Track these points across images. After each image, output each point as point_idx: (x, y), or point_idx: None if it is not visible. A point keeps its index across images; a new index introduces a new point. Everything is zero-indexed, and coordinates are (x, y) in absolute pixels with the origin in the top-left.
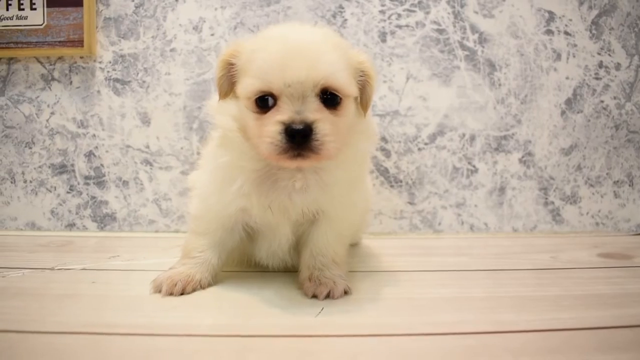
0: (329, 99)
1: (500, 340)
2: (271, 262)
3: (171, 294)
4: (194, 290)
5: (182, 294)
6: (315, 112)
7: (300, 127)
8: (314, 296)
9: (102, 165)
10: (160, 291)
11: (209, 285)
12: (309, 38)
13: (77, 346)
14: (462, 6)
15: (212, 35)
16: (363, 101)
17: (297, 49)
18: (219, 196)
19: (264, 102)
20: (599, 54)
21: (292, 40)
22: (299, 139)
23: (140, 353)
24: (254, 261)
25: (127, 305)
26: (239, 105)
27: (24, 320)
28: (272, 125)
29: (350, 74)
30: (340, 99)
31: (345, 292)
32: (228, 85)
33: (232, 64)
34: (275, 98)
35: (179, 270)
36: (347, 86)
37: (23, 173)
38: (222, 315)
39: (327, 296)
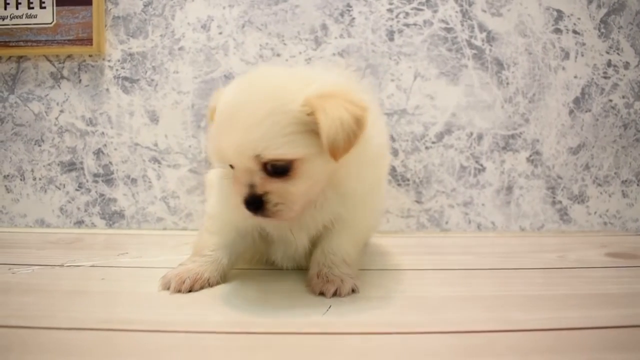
0: (274, 169)
1: (507, 339)
2: (286, 264)
3: (179, 291)
4: (202, 288)
5: (190, 291)
6: (264, 184)
7: (249, 200)
8: (321, 293)
9: (110, 163)
10: (168, 288)
11: (217, 284)
12: (245, 108)
13: (87, 342)
14: (470, 5)
15: (220, 33)
16: (325, 149)
17: (230, 127)
18: (234, 210)
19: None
20: (607, 52)
21: (232, 114)
22: (252, 210)
23: (150, 349)
24: (266, 260)
25: (137, 302)
26: None
27: (34, 316)
28: (235, 195)
29: (302, 132)
30: (290, 163)
31: (353, 291)
32: None
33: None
34: (235, 169)
35: (188, 268)
36: (288, 153)
37: (32, 170)
38: (231, 312)
39: (335, 294)
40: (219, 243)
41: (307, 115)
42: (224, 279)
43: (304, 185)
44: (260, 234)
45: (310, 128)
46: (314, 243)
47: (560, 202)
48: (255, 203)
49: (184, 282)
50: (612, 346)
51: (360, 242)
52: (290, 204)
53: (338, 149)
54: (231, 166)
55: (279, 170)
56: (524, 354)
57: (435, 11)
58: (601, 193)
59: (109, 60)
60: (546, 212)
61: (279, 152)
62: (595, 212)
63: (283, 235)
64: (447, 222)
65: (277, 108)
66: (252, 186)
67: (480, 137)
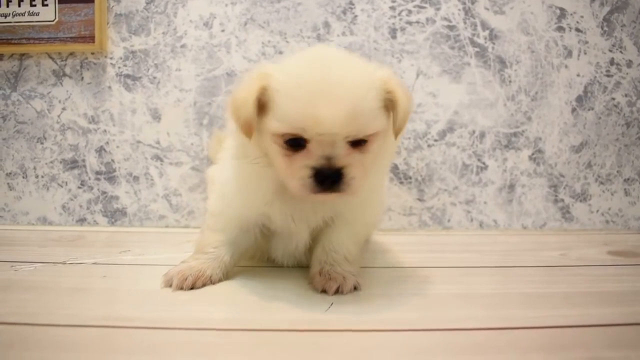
0: (356, 142)
1: (509, 337)
2: (286, 261)
3: (181, 288)
4: (204, 285)
5: (192, 288)
6: (344, 157)
7: (329, 173)
8: (324, 291)
9: (112, 160)
10: (170, 285)
11: (220, 281)
12: (342, 81)
13: (88, 339)
14: (472, 2)
15: (223, 31)
16: (395, 127)
17: (330, 99)
18: (240, 199)
19: (294, 143)
20: (610, 51)
21: (325, 87)
22: (328, 184)
23: (151, 346)
24: (267, 257)
25: (138, 299)
26: (263, 137)
27: (35, 313)
28: (302, 168)
29: (381, 108)
30: (369, 136)
31: (355, 288)
32: (255, 122)
33: (262, 102)
34: (305, 141)
35: (190, 265)
36: (377, 127)
37: (35, 168)
38: (233, 309)
39: (337, 291)
40: (222, 240)
41: (386, 93)
42: (226, 276)
43: (373, 159)
44: (262, 230)
45: (384, 104)
46: (314, 240)
47: (562, 200)
48: (333, 176)
49: (186, 279)
50: (613, 344)
51: (361, 240)
52: (362, 177)
53: (403, 126)
54: (296, 140)
55: (358, 142)
56: (524, 351)
57: (438, 9)
58: (603, 191)
59: (111, 58)
60: (548, 210)
61: (374, 125)
62: (597, 211)
63: (285, 230)
64: (449, 220)
65: (370, 84)
66: (329, 158)
67: (482, 135)
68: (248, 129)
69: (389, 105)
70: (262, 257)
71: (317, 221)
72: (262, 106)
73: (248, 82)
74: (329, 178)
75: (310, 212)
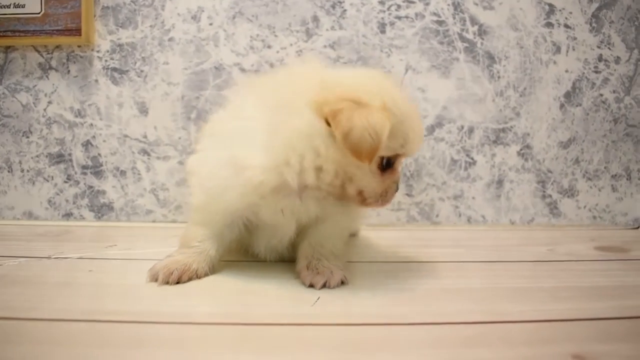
0: None
1: (497, 330)
2: (269, 256)
3: (167, 282)
4: (190, 279)
5: (177, 282)
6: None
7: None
8: (311, 285)
9: (99, 154)
10: (156, 280)
11: (206, 275)
12: (414, 107)
13: (74, 333)
14: None
15: (211, 24)
16: None
17: (418, 121)
18: (226, 190)
19: (388, 165)
20: (598, 47)
21: (412, 110)
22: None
23: (138, 340)
24: (250, 252)
25: (125, 294)
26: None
27: (21, 307)
28: (392, 184)
29: None
30: None
31: (342, 282)
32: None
33: None
34: (395, 161)
35: (176, 259)
36: None
37: (20, 162)
38: (219, 303)
39: (324, 286)
40: (206, 234)
41: None
42: (212, 270)
43: None
44: (245, 224)
45: None
46: (299, 235)
47: (550, 195)
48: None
49: (171, 273)
50: (601, 337)
51: (346, 235)
52: None
53: None
54: (391, 159)
55: None
56: (513, 344)
57: (427, 4)
58: (591, 187)
59: (98, 51)
60: (536, 206)
61: None
62: (584, 206)
63: (270, 225)
64: (437, 216)
65: None
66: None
67: (471, 131)
68: (372, 156)
69: None
70: (246, 251)
71: (309, 217)
72: None
73: (377, 112)
74: (397, 188)
75: (302, 208)
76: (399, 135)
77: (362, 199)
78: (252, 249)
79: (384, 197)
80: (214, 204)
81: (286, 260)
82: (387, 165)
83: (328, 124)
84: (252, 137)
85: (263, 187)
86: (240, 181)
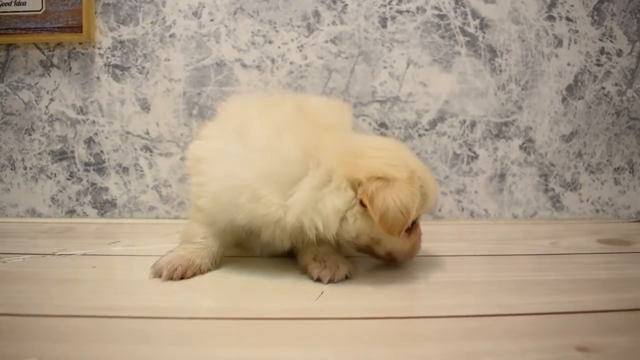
0: None
1: (500, 323)
2: (267, 255)
3: (171, 278)
4: (194, 275)
5: (182, 278)
6: None
7: None
8: (318, 279)
9: (101, 151)
10: (160, 276)
11: (209, 270)
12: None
13: (78, 328)
14: None
15: (212, 20)
16: None
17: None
18: (238, 209)
19: (413, 223)
20: (600, 40)
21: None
22: None
23: (142, 335)
24: (250, 250)
25: (129, 289)
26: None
27: (25, 304)
28: (416, 240)
29: None
30: None
31: (347, 277)
32: None
33: None
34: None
35: (179, 254)
36: None
37: (23, 160)
38: (223, 298)
39: (331, 280)
40: (210, 232)
41: None
42: (214, 266)
43: None
44: (242, 231)
45: None
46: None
47: (552, 189)
48: None
49: (176, 269)
50: (604, 329)
51: None
52: None
53: None
54: (413, 220)
55: None
56: (517, 337)
57: None
58: (593, 180)
59: (99, 48)
60: (539, 200)
61: None
62: (587, 200)
63: (267, 241)
64: (440, 210)
65: None
66: None
67: (473, 125)
68: (403, 230)
69: None
70: (246, 248)
71: (307, 240)
72: None
73: (406, 188)
74: None
75: (299, 237)
76: (423, 201)
77: (392, 259)
78: (250, 247)
79: (411, 253)
80: (222, 214)
81: (286, 256)
82: (411, 225)
83: (361, 202)
84: (281, 176)
85: (273, 221)
86: (254, 208)
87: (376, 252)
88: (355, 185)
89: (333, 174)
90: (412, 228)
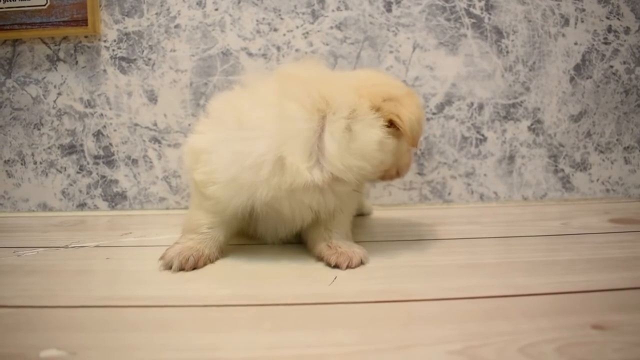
0: None
1: (515, 303)
2: (274, 241)
3: (183, 269)
4: (205, 264)
5: (194, 268)
6: None
7: None
8: (336, 265)
9: (110, 144)
10: (171, 267)
11: (216, 259)
12: None
13: (94, 318)
14: None
15: (216, 10)
16: None
17: None
18: (258, 186)
19: None
20: (607, 18)
21: None
22: None
23: (158, 323)
24: (255, 236)
25: (142, 279)
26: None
27: (41, 295)
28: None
29: None
30: None
31: (362, 262)
32: None
33: None
34: None
35: (188, 245)
36: None
37: (33, 154)
38: (237, 285)
39: (348, 266)
40: (216, 221)
41: None
42: (221, 254)
43: None
44: (252, 216)
45: None
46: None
47: (562, 170)
48: None
49: (187, 260)
50: (616, 308)
51: (352, 218)
52: None
53: None
54: None
55: None
56: (532, 316)
57: None
58: (603, 160)
59: (105, 41)
60: (549, 181)
61: None
62: (597, 179)
63: (284, 215)
64: (449, 194)
65: None
66: None
67: (481, 107)
68: (417, 143)
69: None
70: (251, 236)
71: (327, 210)
72: None
73: (414, 105)
74: None
75: (323, 202)
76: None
77: (398, 175)
78: (256, 235)
79: (410, 164)
80: (238, 196)
81: (292, 243)
82: None
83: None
84: (299, 138)
85: (301, 186)
86: (279, 180)
87: (390, 174)
88: (383, 113)
89: (355, 111)
90: None
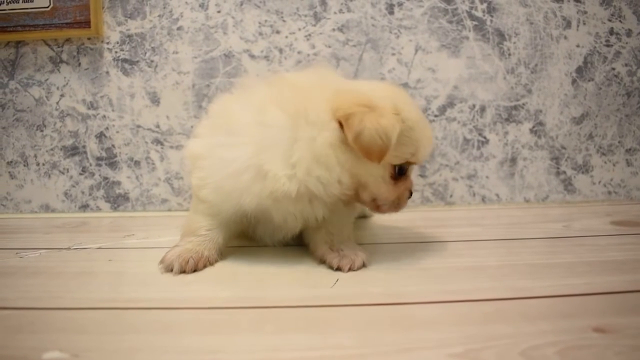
0: None
1: (516, 306)
2: (274, 244)
3: (184, 271)
4: (205, 266)
5: (194, 271)
6: None
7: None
8: (338, 268)
9: (113, 146)
10: (171, 270)
11: (216, 262)
12: (425, 118)
13: (98, 320)
14: None
15: (219, 12)
16: None
17: (428, 132)
18: (243, 193)
19: (400, 173)
20: (609, 20)
21: (424, 122)
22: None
23: (159, 325)
24: (255, 239)
25: (145, 281)
26: (367, 164)
27: (43, 297)
28: (404, 191)
29: None
30: None
31: (364, 265)
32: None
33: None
34: (407, 169)
35: (187, 248)
36: None
37: (35, 156)
38: (238, 288)
39: (350, 268)
40: (214, 224)
41: None
42: (220, 257)
43: None
44: (249, 219)
45: None
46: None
47: (564, 172)
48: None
49: (187, 262)
50: (618, 311)
51: (353, 220)
52: None
53: None
54: (405, 167)
55: None
56: (533, 319)
57: None
58: (605, 162)
59: (107, 43)
60: (550, 183)
61: None
62: (599, 182)
63: (279, 222)
64: (451, 196)
65: None
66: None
67: (482, 109)
68: (382, 156)
69: None
70: (250, 237)
71: (317, 219)
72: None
73: (388, 116)
74: (411, 194)
75: (311, 212)
76: (410, 143)
77: (376, 206)
78: (256, 237)
79: (396, 204)
80: (227, 202)
81: (292, 245)
82: (399, 173)
83: (342, 127)
84: (278, 146)
85: (282, 195)
86: (261, 188)
87: (362, 198)
88: (337, 113)
89: (320, 118)
90: (401, 177)
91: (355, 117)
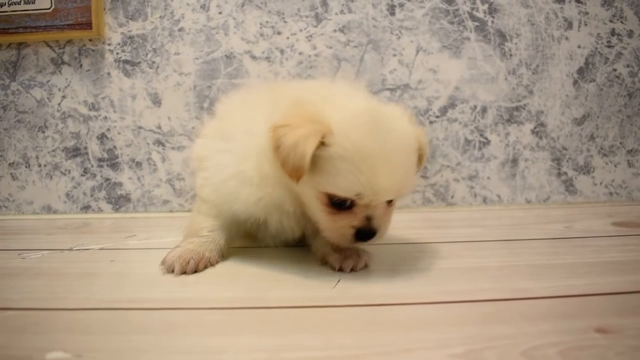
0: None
1: (517, 307)
2: (277, 245)
3: (184, 272)
4: (205, 267)
5: (195, 272)
6: (381, 216)
7: (369, 232)
8: (341, 269)
9: (114, 147)
10: (172, 271)
11: (217, 263)
12: (399, 150)
13: (101, 320)
14: None
15: (220, 13)
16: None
17: (389, 168)
18: (236, 199)
19: (341, 205)
20: (611, 21)
21: (384, 156)
22: (365, 239)
23: (162, 325)
24: (258, 239)
25: (147, 282)
26: (303, 186)
27: (46, 298)
28: (347, 227)
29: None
30: None
31: (366, 265)
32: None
33: (323, 145)
34: (353, 204)
35: (188, 248)
36: (414, 184)
37: (37, 157)
38: (240, 288)
39: (353, 269)
40: (216, 225)
41: (419, 150)
42: (222, 258)
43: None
44: (252, 223)
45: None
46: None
47: (565, 173)
48: (370, 235)
49: (188, 263)
50: (619, 311)
51: None
52: (388, 226)
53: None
54: (344, 202)
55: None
56: (534, 320)
57: None
58: (607, 163)
59: (109, 44)
60: (552, 184)
61: (414, 184)
62: (600, 183)
63: (280, 229)
64: (452, 197)
65: (414, 146)
66: (370, 219)
67: (484, 110)
68: (296, 176)
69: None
70: (253, 238)
71: (311, 226)
72: (313, 157)
73: (306, 129)
74: (368, 237)
75: (299, 222)
76: (347, 176)
77: (322, 231)
78: (259, 238)
79: (340, 239)
80: (226, 204)
81: (294, 246)
82: (339, 205)
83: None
84: (255, 155)
85: (262, 203)
86: (248, 194)
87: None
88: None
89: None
90: (344, 210)
91: (279, 131)
